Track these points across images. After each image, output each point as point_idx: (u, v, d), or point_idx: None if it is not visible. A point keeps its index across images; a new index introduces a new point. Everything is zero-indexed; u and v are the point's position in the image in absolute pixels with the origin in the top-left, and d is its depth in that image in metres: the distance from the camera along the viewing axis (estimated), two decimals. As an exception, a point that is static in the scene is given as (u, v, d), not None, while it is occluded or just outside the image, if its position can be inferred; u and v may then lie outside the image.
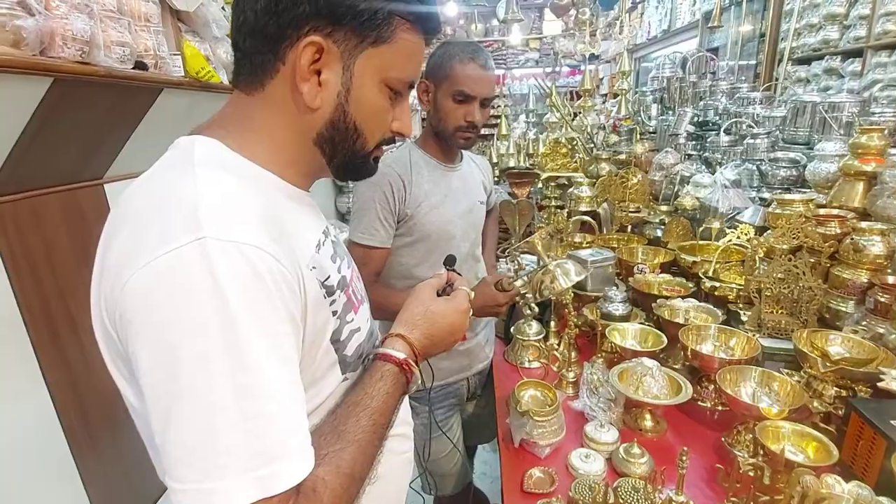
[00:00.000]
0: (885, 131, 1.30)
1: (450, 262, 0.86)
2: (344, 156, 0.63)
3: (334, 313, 0.60)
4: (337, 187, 4.38)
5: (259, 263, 0.47)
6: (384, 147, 0.66)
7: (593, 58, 6.14)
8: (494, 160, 3.24)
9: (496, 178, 3.19)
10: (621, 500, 0.84)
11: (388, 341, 0.67)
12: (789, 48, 3.26)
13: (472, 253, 1.53)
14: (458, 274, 0.84)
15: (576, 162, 2.49)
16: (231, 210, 0.49)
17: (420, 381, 0.67)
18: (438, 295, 0.77)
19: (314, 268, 0.57)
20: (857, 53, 2.74)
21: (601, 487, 0.86)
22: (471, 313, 0.78)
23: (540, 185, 2.45)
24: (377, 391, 0.61)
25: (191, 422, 0.44)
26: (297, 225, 0.58)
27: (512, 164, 3.14)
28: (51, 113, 1.04)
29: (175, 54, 1.32)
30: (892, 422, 0.82)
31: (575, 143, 2.63)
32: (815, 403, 0.97)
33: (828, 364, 0.95)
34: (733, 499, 0.82)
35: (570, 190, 2.19)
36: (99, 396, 1.37)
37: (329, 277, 0.60)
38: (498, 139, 3.54)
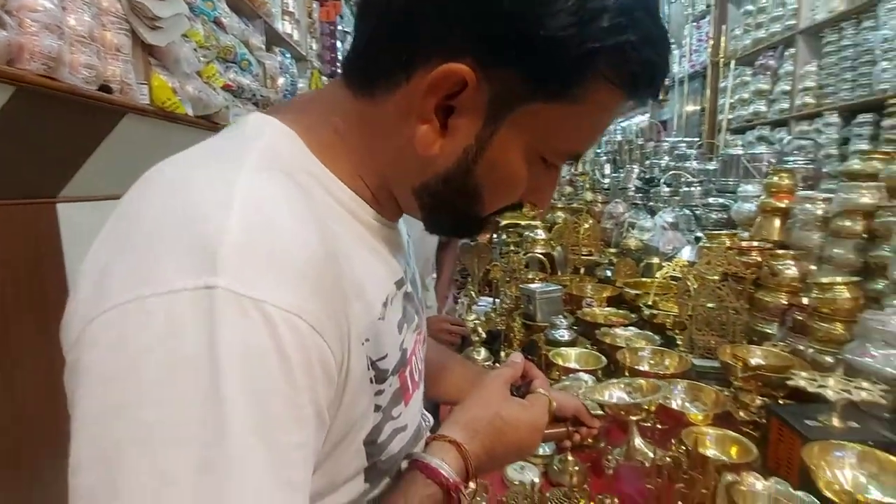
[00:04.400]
0: (797, 175, 1.45)
1: (530, 349, 0.72)
2: (449, 216, 0.47)
3: (377, 408, 0.44)
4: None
5: (288, 338, 0.32)
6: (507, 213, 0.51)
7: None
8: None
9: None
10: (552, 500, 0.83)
11: (437, 447, 0.49)
12: (726, 120, 3.60)
13: (421, 281, 1.56)
14: (538, 366, 0.69)
15: (534, 211, 2.62)
16: (271, 250, 0.33)
17: None
18: (511, 393, 0.59)
19: (367, 340, 0.41)
20: (783, 123, 3.05)
21: (535, 494, 0.85)
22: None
23: (504, 235, 2.58)
24: None
25: None
26: (364, 273, 0.42)
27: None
28: (9, 123, 1.07)
29: (142, 83, 1.39)
30: (805, 421, 0.86)
31: (533, 195, 2.79)
32: (742, 414, 1.00)
33: (747, 371, 0.99)
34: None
35: (526, 233, 2.30)
36: (12, 425, 1.29)
37: (385, 357, 0.43)
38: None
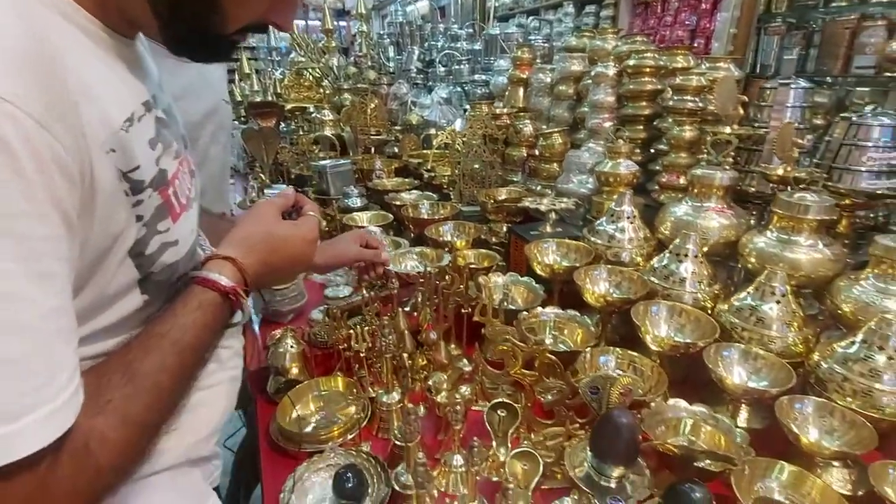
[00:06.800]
0: (536, 51, 1.74)
1: (300, 183, 0.75)
2: (187, 29, 0.46)
3: (139, 218, 0.46)
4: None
5: (6, 127, 0.32)
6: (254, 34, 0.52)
7: (343, 13, 6.24)
8: (239, 100, 3.07)
9: (244, 118, 3.04)
10: (350, 324, 0.98)
11: (213, 264, 0.53)
12: (493, 8, 3.90)
13: (225, 160, 1.42)
14: (307, 196, 0.73)
15: (319, 94, 2.55)
16: None
17: (248, 315, 0.56)
18: (283, 218, 0.64)
19: (112, 150, 0.42)
20: (536, 12, 3.48)
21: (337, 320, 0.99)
22: (318, 243, 0.67)
23: (292, 125, 2.47)
24: (191, 323, 0.48)
25: None
26: (95, 82, 0.41)
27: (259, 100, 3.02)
28: None
29: None
30: (531, 232, 1.17)
31: (321, 78, 2.68)
32: (493, 238, 1.29)
33: (496, 204, 1.27)
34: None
35: (314, 115, 2.26)
36: None
37: (138, 169, 0.45)
38: (241, 80, 3.33)
